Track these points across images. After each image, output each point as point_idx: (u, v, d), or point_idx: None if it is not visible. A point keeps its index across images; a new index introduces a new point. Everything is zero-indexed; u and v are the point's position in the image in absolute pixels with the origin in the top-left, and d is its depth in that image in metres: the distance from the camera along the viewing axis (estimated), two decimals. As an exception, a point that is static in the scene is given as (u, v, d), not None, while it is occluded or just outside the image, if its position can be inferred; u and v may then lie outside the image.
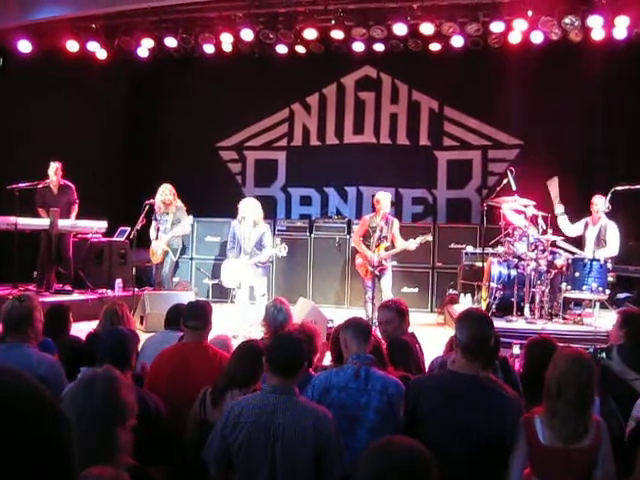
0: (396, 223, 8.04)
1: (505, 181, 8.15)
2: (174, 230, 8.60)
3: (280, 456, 2.80)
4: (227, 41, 9.95)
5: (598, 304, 7.65)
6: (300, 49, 10.23)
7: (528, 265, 7.50)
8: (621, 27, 8.63)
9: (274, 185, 11.76)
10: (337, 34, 9.73)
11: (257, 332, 6.12)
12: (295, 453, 2.81)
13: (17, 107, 9.71)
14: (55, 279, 9.09)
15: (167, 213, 8.69)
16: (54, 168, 8.97)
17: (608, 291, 7.51)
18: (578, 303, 7.90)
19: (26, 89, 9.81)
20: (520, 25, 8.89)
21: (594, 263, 7.44)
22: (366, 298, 7.88)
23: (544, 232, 7.66)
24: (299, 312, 6.36)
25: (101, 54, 10.12)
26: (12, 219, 8.32)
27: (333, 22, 9.51)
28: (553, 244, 7.75)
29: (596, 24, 8.63)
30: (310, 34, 9.67)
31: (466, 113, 10.91)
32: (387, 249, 7.83)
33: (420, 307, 9.84)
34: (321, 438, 2.82)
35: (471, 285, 9.07)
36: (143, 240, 8.86)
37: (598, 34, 8.83)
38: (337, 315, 6.74)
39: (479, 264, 8.75)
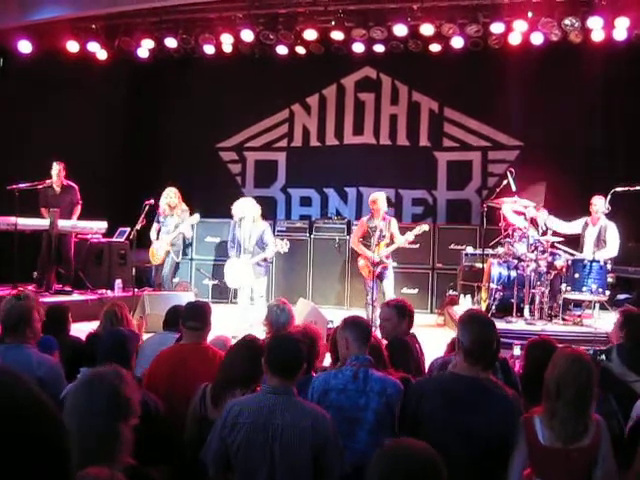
0: (394, 222, 8.06)
1: (505, 182, 8.14)
2: (179, 228, 8.69)
3: (279, 457, 2.80)
4: (227, 42, 9.95)
5: (598, 305, 7.66)
6: (300, 50, 10.22)
7: (528, 266, 7.50)
8: (621, 28, 8.63)
9: (274, 186, 11.76)
10: (337, 35, 9.73)
11: (257, 332, 6.10)
12: (294, 454, 2.80)
13: (17, 107, 9.71)
14: (55, 279, 9.09)
15: (171, 216, 8.73)
16: (57, 169, 8.99)
17: (608, 292, 7.51)
18: (578, 304, 7.89)
19: (26, 89, 9.80)
20: (520, 26, 8.89)
21: (594, 264, 7.44)
22: (367, 300, 7.88)
23: (544, 233, 7.66)
24: (299, 313, 6.35)
25: (101, 55, 10.12)
26: (12, 219, 8.31)
27: (333, 23, 9.51)
28: (553, 245, 7.75)
29: (596, 25, 8.63)
30: (310, 35, 9.67)
31: (466, 114, 10.90)
32: (387, 245, 7.86)
33: (420, 308, 9.76)
34: (319, 438, 2.82)
35: (471, 286, 9.07)
36: (143, 241, 8.88)
37: (598, 35, 8.83)
38: (337, 316, 6.67)
39: (479, 265, 8.76)
